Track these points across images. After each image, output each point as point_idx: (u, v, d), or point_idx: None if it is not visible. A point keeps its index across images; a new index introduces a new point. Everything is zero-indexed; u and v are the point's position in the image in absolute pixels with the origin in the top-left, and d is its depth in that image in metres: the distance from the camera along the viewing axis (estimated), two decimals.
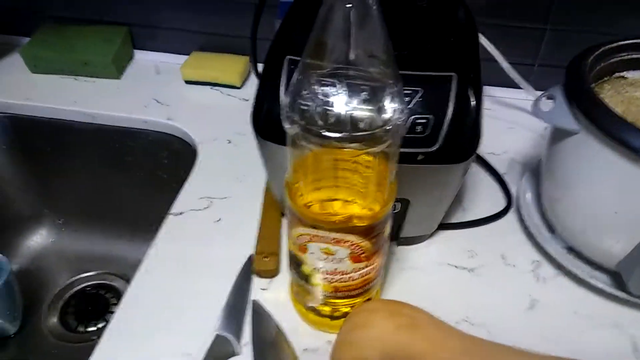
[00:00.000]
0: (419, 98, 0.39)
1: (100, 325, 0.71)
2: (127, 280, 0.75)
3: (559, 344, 0.43)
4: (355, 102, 0.30)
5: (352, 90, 0.30)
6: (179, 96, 0.68)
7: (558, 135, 0.44)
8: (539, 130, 0.66)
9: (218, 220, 0.52)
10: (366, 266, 0.37)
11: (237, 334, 0.42)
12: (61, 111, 0.66)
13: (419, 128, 0.40)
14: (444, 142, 0.40)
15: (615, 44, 0.46)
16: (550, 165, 0.47)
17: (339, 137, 0.29)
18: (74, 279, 0.75)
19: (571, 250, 0.48)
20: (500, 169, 0.59)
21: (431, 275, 0.48)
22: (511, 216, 0.54)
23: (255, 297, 0.45)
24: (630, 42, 0.46)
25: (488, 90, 0.70)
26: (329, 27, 0.28)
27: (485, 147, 0.62)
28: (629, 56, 0.47)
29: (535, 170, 0.55)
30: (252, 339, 0.41)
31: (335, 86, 0.30)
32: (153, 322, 0.43)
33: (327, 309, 0.41)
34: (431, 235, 0.51)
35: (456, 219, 0.53)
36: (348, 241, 0.34)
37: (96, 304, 0.73)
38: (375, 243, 0.35)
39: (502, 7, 0.64)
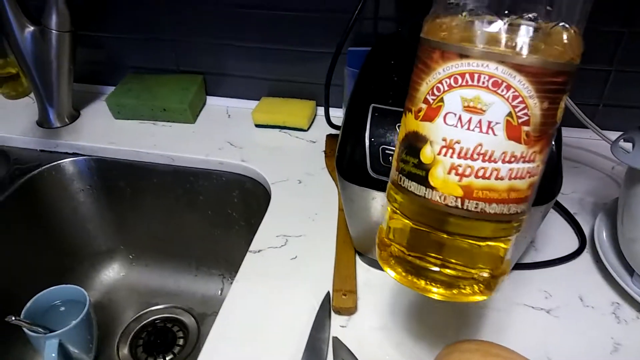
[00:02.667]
0: None
1: (168, 358, 0.73)
2: (193, 314, 0.78)
3: None
4: None
5: None
6: (250, 139, 0.72)
7: (637, 176, 0.45)
8: (606, 170, 0.66)
9: (295, 258, 0.54)
10: (522, 157, 0.26)
11: None
12: (142, 154, 0.71)
13: None
14: None
15: None
16: (628, 206, 0.47)
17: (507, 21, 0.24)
18: (143, 312, 0.79)
19: None
20: (570, 209, 0.59)
21: (508, 315, 0.48)
22: (585, 257, 0.53)
23: (334, 334, 0.46)
24: None
25: None
26: None
27: None
28: None
29: (608, 211, 0.55)
30: None
31: None
32: (239, 353, 0.45)
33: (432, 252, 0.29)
34: (507, 273, 0.51)
35: (529, 259, 0.53)
36: (513, 88, 0.24)
37: (164, 337, 0.76)
38: (546, 115, 0.25)
39: None
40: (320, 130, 0.74)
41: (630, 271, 0.49)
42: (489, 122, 0.25)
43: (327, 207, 0.60)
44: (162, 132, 0.74)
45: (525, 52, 0.25)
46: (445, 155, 0.26)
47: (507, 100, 0.25)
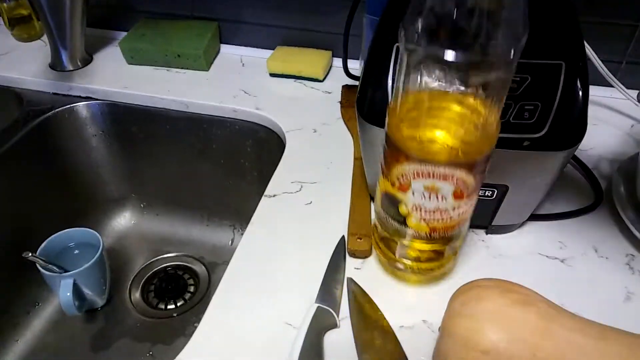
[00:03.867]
0: (528, 85, 0.40)
1: (179, 304, 0.74)
2: (204, 262, 0.79)
3: None
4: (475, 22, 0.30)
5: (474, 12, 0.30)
6: (264, 88, 0.72)
7: None
8: (625, 128, 0.65)
9: (310, 203, 0.54)
10: (465, 204, 0.38)
11: (335, 308, 0.43)
12: (156, 99, 0.70)
13: (526, 114, 0.40)
14: (550, 129, 0.40)
15: None
16: None
17: (460, 60, 0.31)
18: (154, 259, 0.80)
19: None
20: (588, 164, 0.59)
21: (522, 264, 0.48)
22: (601, 211, 0.53)
23: (349, 275, 0.47)
24: None
25: None
26: None
27: None
28: None
29: (625, 167, 0.55)
30: (350, 314, 0.43)
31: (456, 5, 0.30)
32: (254, 294, 0.45)
33: (413, 254, 0.43)
34: (520, 225, 0.51)
35: (544, 211, 0.53)
36: (454, 176, 0.35)
37: (175, 284, 0.77)
38: (477, 180, 0.37)
39: (592, 4, 0.64)
40: (336, 81, 0.73)
41: None
42: (442, 195, 0.37)
43: (342, 157, 0.60)
44: (175, 79, 0.73)
45: (464, 156, 0.35)
46: (415, 212, 0.39)
47: (453, 183, 0.36)
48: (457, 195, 0.37)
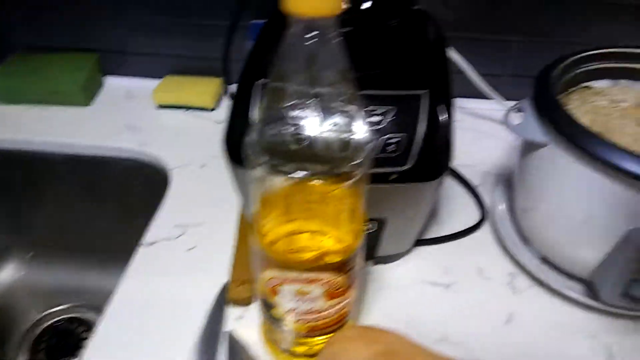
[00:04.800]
0: (391, 118, 0.40)
1: None
2: (101, 312, 0.74)
3: (536, 358, 0.43)
4: (322, 134, 0.30)
5: (319, 122, 0.30)
6: (151, 121, 0.68)
7: (528, 147, 0.45)
8: (510, 141, 0.66)
9: (192, 249, 0.51)
10: (342, 301, 0.36)
11: None
12: (34, 141, 0.65)
13: (391, 147, 0.40)
14: (416, 160, 0.40)
15: (580, 55, 0.47)
16: (521, 176, 0.47)
17: (307, 175, 0.29)
18: (45, 313, 0.73)
19: (546, 260, 0.48)
20: (474, 180, 0.59)
21: (408, 293, 0.48)
22: (486, 229, 0.54)
23: (230, 327, 0.44)
24: (593, 52, 0.47)
25: (460, 102, 0.71)
26: (291, 59, 0.27)
27: (459, 159, 0.62)
28: (594, 66, 0.48)
29: (508, 182, 0.56)
30: None
31: (300, 120, 0.29)
32: (126, 355, 0.42)
33: (301, 349, 0.40)
34: (407, 252, 0.51)
35: (431, 234, 0.53)
36: (322, 279, 0.33)
37: (68, 339, 0.71)
38: (350, 276, 0.35)
39: (471, 20, 0.65)
40: (228, 110, 0.70)
41: (526, 241, 0.50)
42: (313, 297, 0.35)
43: (233, 193, 0.57)
44: (54, 117, 0.68)
45: (323, 260, 0.33)
46: (289, 315, 0.36)
47: (322, 285, 0.34)
48: (331, 296, 0.35)
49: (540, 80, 0.43)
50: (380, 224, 0.44)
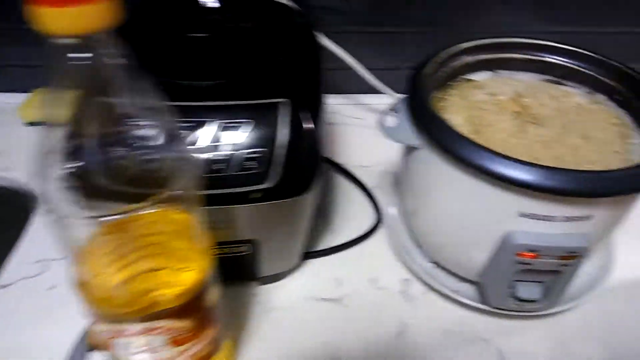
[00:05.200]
0: (248, 131, 0.35)
1: None
2: None
3: None
4: (133, 161, 0.26)
5: (129, 149, 0.25)
6: (18, 141, 0.60)
7: (407, 148, 0.42)
8: None
9: (52, 287, 0.45)
10: (194, 345, 0.32)
11: None
12: None
13: (250, 164, 0.36)
14: (279, 176, 0.36)
15: (457, 48, 0.44)
16: (405, 178, 0.45)
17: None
18: None
19: (438, 265, 0.46)
20: (372, 182, 0.57)
21: (297, 313, 0.44)
22: (382, 234, 0.51)
23: None
24: (473, 44, 0.45)
25: (358, 98, 0.68)
26: (72, 85, 0.23)
27: (355, 160, 0.60)
28: (475, 58, 0.45)
29: (396, 183, 0.53)
30: None
31: (108, 150, 0.25)
32: None
33: None
34: (296, 268, 0.47)
35: (325, 243, 0.50)
36: (159, 328, 0.29)
37: None
38: (199, 318, 0.31)
39: (364, 13, 0.62)
40: None
41: (419, 245, 0.47)
42: (154, 347, 0.30)
43: None
44: None
45: (158, 307, 0.28)
46: None
47: (160, 334, 0.29)
48: (179, 342, 0.30)
49: (412, 80, 0.40)
50: (253, 245, 0.40)
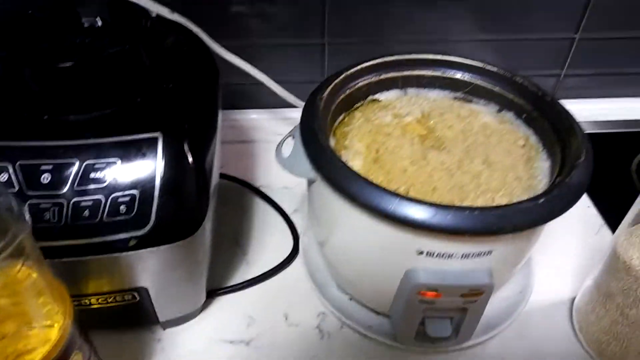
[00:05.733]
0: (118, 170, 0.32)
1: None
2: None
3: None
4: None
5: None
6: None
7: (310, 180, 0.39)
8: None
9: None
10: None
11: None
12: None
13: (123, 208, 0.32)
14: (157, 218, 0.32)
15: (359, 67, 0.42)
16: (311, 208, 0.42)
17: None
18: None
19: (353, 297, 0.43)
20: (292, 205, 0.54)
21: (204, 358, 0.41)
22: (298, 263, 0.48)
23: None
24: (377, 61, 0.42)
25: (283, 112, 0.65)
26: None
27: (278, 180, 0.56)
28: (381, 76, 0.43)
29: None
30: None
31: None
32: None
33: None
34: (206, 305, 0.44)
35: (239, 275, 0.47)
36: None
37: None
38: None
39: (284, 27, 0.59)
40: None
41: (333, 277, 0.45)
42: None
43: None
44: None
45: None
46: None
47: None
48: None
49: (306, 105, 0.37)
50: (142, 293, 0.37)
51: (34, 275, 0.26)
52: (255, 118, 0.65)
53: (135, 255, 0.33)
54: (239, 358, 0.41)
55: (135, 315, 0.40)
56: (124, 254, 0.33)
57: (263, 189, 0.55)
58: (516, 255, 0.34)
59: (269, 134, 0.63)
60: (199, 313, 0.44)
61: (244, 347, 0.42)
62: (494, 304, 0.41)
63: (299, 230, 0.51)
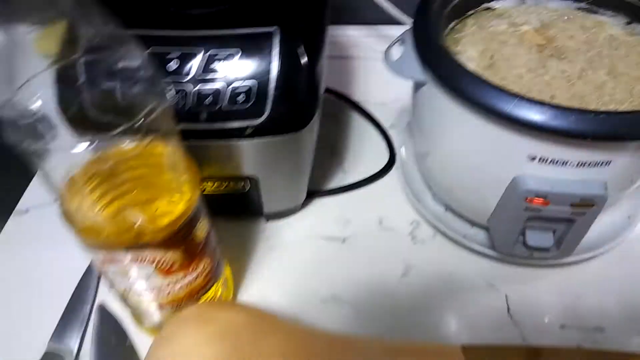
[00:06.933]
0: (236, 62, 0.34)
1: None
2: None
3: (431, 309, 0.40)
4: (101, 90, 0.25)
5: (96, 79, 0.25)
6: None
7: (415, 84, 0.39)
8: None
9: None
10: (185, 275, 0.32)
11: (76, 343, 0.38)
12: None
13: (241, 97, 0.34)
14: (272, 110, 0.34)
15: None
16: (415, 116, 0.42)
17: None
18: None
19: (449, 208, 0.44)
20: (388, 120, 0.54)
21: (301, 250, 0.44)
22: (394, 175, 0.50)
23: (101, 299, 0.41)
24: None
25: (381, 29, 0.64)
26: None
27: (373, 96, 0.57)
28: None
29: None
30: (93, 350, 0.37)
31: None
32: None
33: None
34: (305, 205, 0.47)
35: (336, 182, 0.49)
36: (147, 258, 0.29)
37: None
38: (186, 250, 0.31)
39: None
40: None
41: (430, 187, 0.45)
42: (145, 274, 0.30)
43: None
44: None
45: (143, 238, 0.28)
46: (127, 293, 0.33)
47: (148, 264, 0.30)
48: (167, 272, 0.31)
49: (419, 8, 0.37)
50: (253, 182, 0.40)
51: (169, 148, 0.29)
52: (354, 34, 0.65)
53: (249, 144, 0.36)
54: (334, 253, 0.44)
55: (243, 205, 0.43)
56: (240, 141, 0.35)
57: (360, 105, 0.56)
58: (635, 170, 0.33)
59: (367, 51, 0.63)
60: (299, 210, 0.46)
61: (339, 244, 0.44)
62: (600, 225, 0.40)
63: (395, 144, 0.52)
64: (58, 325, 0.39)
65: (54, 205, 0.47)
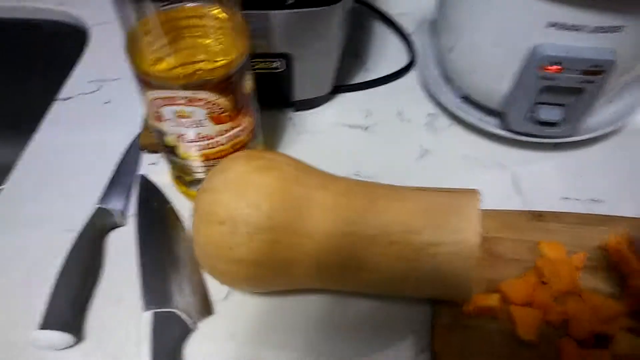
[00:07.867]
0: None
1: None
2: None
3: (444, 185, 0.43)
4: None
5: None
6: None
7: None
8: None
9: (108, 102, 0.50)
10: (232, 127, 0.35)
11: (123, 206, 0.41)
12: None
13: None
14: None
15: None
16: (442, 12, 0.45)
17: None
18: None
19: (466, 100, 0.47)
20: (409, 28, 0.57)
21: (326, 136, 0.47)
22: (413, 75, 0.52)
23: (143, 172, 0.44)
24: None
25: None
26: None
27: (395, 6, 0.59)
28: None
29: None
30: (137, 211, 0.41)
31: None
32: (39, 200, 0.42)
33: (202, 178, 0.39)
34: (329, 98, 0.50)
35: (358, 79, 0.52)
36: (202, 99, 0.32)
37: None
38: (235, 100, 0.34)
39: None
40: None
41: (448, 82, 0.48)
42: (198, 120, 0.34)
43: None
44: None
45: (201, 76, 0.32)
46: (179, 142, 0.36)
47: (202, 106, 0.33)
48: (217, 120, 0.34)
49: None
50: (288, 60, 0.42)
51: (229, 19, 0.33)
52: None
53: (290, 16, 0.39)
54: (357, 139, 0.47)
55: (277, 90, 0.46)
56: (280, 12, 0.38)
57: (384, 13, 0.58)
58: None
59: None
60: (325, 102, 0.50)
61: (362, 131, 0.48)
62: (604, 113, 0.43)
63: (415, 48, 0.54)
64: (105, 190, 0.42)
65: (92, 95, 0.50)
